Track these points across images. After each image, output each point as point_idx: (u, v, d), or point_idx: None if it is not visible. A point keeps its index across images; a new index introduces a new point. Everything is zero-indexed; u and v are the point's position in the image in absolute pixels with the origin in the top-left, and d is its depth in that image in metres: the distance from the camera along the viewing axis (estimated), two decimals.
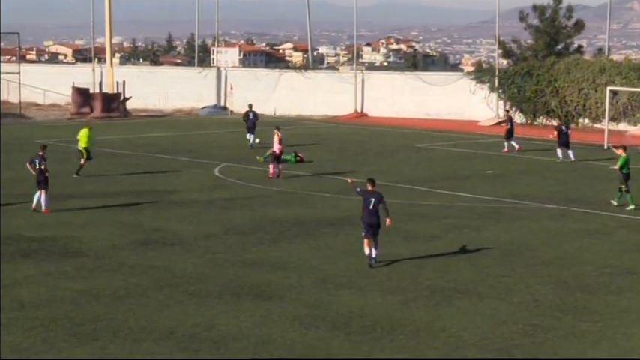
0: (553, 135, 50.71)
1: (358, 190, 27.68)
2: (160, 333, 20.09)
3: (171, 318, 21.16)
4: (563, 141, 49.74)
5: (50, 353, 18.77)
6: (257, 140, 53.43)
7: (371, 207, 26.60)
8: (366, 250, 26.65)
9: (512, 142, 52.42)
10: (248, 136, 54.22)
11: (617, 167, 36.62)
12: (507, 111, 61.49)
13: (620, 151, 37.12)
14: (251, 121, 54.67)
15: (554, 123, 61.39)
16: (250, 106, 56.37)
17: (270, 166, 42.48)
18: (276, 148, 42.58)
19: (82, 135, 42.36)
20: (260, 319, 21.18)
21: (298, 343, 19.57)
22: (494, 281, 24.90)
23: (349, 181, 29.83)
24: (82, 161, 41.83)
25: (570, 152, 49.41)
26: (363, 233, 26.67)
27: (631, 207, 35.91)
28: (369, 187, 27.16)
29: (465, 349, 19.44)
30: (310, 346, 19.46)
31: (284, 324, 20.86)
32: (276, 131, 43.19)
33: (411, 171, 44.15)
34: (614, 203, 36.49)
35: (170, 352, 18.96)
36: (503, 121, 53.89)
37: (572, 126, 59.26)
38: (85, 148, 42.10)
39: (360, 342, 19.74)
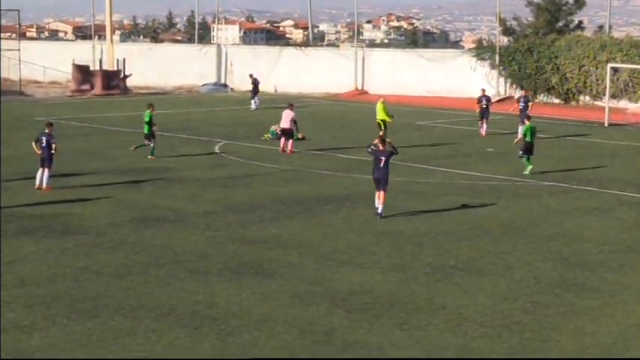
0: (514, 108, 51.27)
1: (369, 149, 30.53)
2: (161, 310, 20.13)
3: (171, 295, 21.20)
4: (522, 117, 46.83)
5: (52, 330, 18.82)
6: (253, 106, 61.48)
7: (381, 164, 29.83)
8: (376, 202, 29.78)
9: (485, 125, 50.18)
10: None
11: (520, 136, 39.45)
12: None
13: (525, 122, 39.90)
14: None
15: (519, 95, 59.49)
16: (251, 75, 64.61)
17: (285, 142, 43.13)
18: (287, 124, 42.85)
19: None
20: (261, 297, 21.22)
21: (299, 320, 19.61)
22: (495, 258, 24.95)
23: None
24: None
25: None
26: (376, 188, 29.88)
27: (527, 172, 37.66)
28: (381, 147, 30.22)
29: (466, 325, 19.48)
30: (310, 323, 19.50)
31: (284, 301, 20.91)
32: (289, 108, 43.85)
33: (411, 148, 44.11)
34: (527, 173, 37.63)
35: (171, 328, 19.01)
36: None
37: (546, 101, 59.76)
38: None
39: (360, 319, 19.79)
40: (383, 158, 29.85)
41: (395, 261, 24.57)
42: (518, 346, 18.45)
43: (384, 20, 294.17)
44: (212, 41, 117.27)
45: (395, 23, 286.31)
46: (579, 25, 78.69)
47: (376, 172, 29.99)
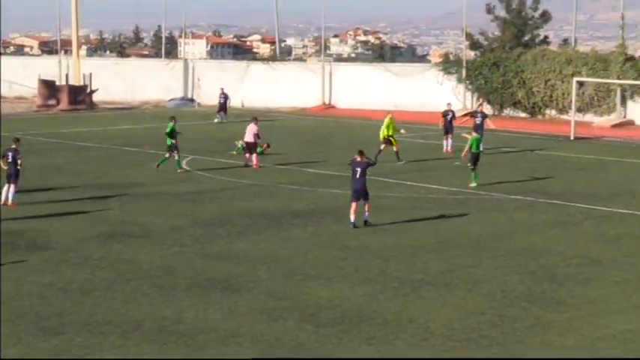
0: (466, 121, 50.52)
1: (350, 162, 31.38)
2: (128, 326, 20.05)
3: (138, 311, 21.12)
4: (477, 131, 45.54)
5: (17, 347, 18.70)
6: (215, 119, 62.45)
7: (358, 175, 30.55)
8: (351, 215, 30.33)
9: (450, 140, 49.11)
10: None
11: (466, 149, 39.27)
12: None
13: (472, 134, 40.24)
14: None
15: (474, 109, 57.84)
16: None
17: (249, 156, 43.13)
18: (251, 138, 42.83)
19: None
20: (228, 312, 21.18)
21: (266, 336, 19.58)
22: (462, 272, 24.99)
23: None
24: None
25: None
26: (350, 199, 30.64)
27: (473, 184, 38.22)
28: (358, 158, 31.01)
29: (433, 339, 19.51)
30: (278, 338, 19.48)
31: (252, 316, 20.87)
32: (253, 122, 43.71)
33: (379, 163, 44.10)
34: (473, 184, 38.19)
35: (137, 344, 18.92)
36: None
37: (494, 114, 60.01)
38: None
39: (329, 334, 19.78)
40: (359, 169, 30.63)
41: (363, 275, 24.57)
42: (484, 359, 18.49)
43: (351, 35, 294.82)
44: (179, 56, 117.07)
45: (362, 37, 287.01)
46: (545, 40, 79.00)
47: (354, 184, 30.73)
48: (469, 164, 39.11)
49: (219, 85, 68.06)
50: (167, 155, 41.39)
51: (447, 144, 48.91)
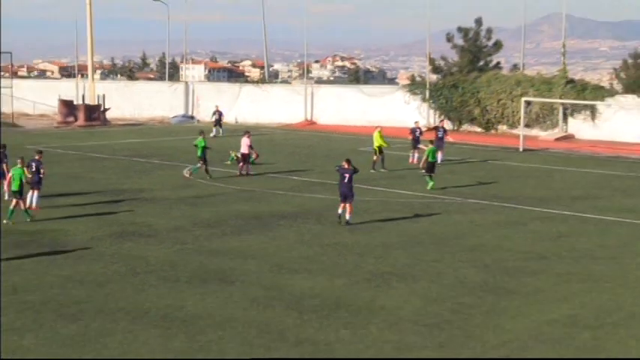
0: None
1: (337, 167, 32.10)
2: (136, 313, 19.99)
3: (145, 300, 21.06)
4: (439, 144, 46.56)
5: (41, 331, 18.64)
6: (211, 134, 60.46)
7: (345, 180, 31.19)
8: (339, 210, 31.17)
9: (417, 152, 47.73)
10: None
11: (424, 159, 39.77)
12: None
13: (429, 146, 40.42)
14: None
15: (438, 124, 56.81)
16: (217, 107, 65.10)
17: (243, 165, 43.14)
18: (245, 149, 42.73)
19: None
20: (224, 301, 21.13)
21: (257, 321, 19.55)
22: (427, 266, 25.00)
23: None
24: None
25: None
26: (340, 200, 31.33)
27: (429, 187, 38.78)
28: (345, 165, 31.62)
29: (402, 324, 19.50)
30: (267, 323, 19.45)
31: (244, 304, 20.83)
32: (245, 136, 43.63)
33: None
34: (429, 187, 38.76)
35: (145, 329, 18.87)
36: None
37: (454, 129, 59.84)
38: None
39: (310, 319, 19.75)
40: (347, 175, 31.23)
41: (340, 268, 24.56)
42: (446, 341, 18.49)
43: (330, 60, 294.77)
44: (181, 79, 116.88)
45: (339, 63, 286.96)
46: (497, 65, 79.20)
47: (342, 187, 31.28)
48: (424, 171, 39.68)
49: (215, 104, 67.98)
50: (199, 165, 41.80)
51: (414, 156, 48.39)
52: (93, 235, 28.54)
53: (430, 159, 39.49)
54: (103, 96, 72.87)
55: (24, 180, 31.17)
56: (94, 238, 28.11)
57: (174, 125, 73.17)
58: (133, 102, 77.89)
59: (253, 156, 45.68)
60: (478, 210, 34.53)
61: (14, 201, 30.67)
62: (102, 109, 72.70)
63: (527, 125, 63.48)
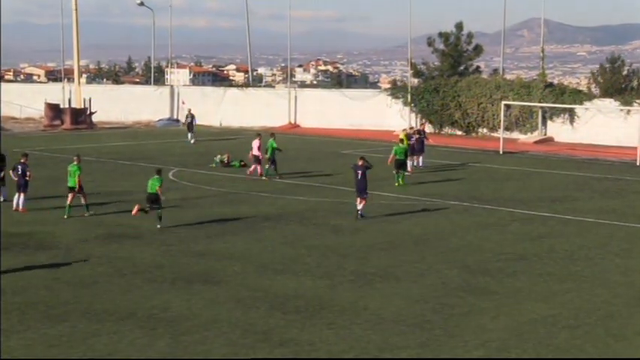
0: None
1: (352, 166, 33.46)
2: (122, 314, 19.92)
3: (131, 301, 21.00)
4: (420, 147, 46.94)
5: (27, 333, 18.55)
6: (192, 140, 59.70)
7: (359, 177, 32.52)
8: (358, 206, 32.49)
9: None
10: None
11: (391, 157, 41.37)
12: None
13: (399, 144, 42.03)
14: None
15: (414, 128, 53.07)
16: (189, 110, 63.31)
17: (255, 167, 43.39)
18: (256, 151, 42.98)
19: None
20: (209, 301, 21.08)
21: (241, 321, 19.51)
22: (409, 267, 25.01)
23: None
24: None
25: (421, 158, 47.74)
26: (355, 195, 32.78)
27: (398, 184, 40.30)
28: (360, 162, 32.89)
29: (384, 324, 19.50)
30: (252, 323, 19.41)
31: (229, 305, 20.79)
32: (257, 138, 43.76)
33: (337, 174, 44.18)
34: (398, 184, 40.27)
35: (130, 330, 18.80)
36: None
37: (450, 133, 59.62)
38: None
39: (294, 320, 19.73)
40: (360, 172, 32.57)
41: (323, 269, 24.54)
42: (428, 341, 18.49)
43: (313, 65, 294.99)
44: (166, 83, 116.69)
45: (322, 67, 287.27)
46: (477, 69, 79.35)
47: (356, 183, 32.74)
48: (394, 170, 40.99)
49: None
50: (267, 166, 42.39)
51: (413, 163, 46.39)
52: (79, 237, 28.44)
53: (398, 157, 41.08)
54: (89, 99, 72.62)
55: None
56: (81, 240, 28.00)
57: (160, 128, 73.01)
58: (118, 105, 77.63)
59: (242, 162, 46.21)
60: (459, 212, 34.57)
61: None
62: (88, 112, 72.47)
63: (507, 128, 63.66)
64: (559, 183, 43.76)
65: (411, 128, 51.17)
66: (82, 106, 72.93)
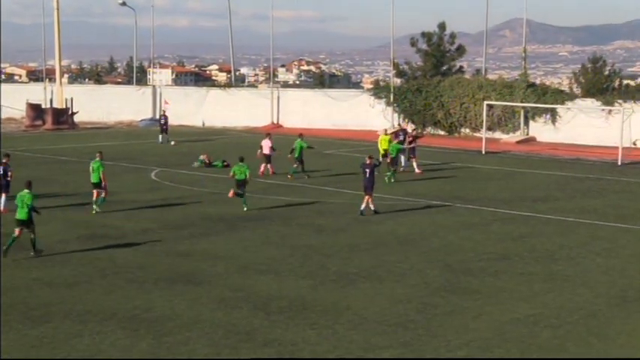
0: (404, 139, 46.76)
1: (361, 165, 34.27)
2: (104, 315, 19.87)
3: (114, 302, 20.95)
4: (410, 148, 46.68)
5: (9, 334, 18.46)
6: (170, 142, 58.87)
7: (367, 175, 33.34)
8: (362, 205, 33.28)
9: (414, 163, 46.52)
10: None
11: (382, 151, 43.20)
12: (402, 126, 56.38)
13: (396, 141, 43.95)
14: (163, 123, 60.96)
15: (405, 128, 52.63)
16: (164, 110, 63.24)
17: (265, 166, 44.18)
18: (267, 150, 43.89)
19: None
20: (191, 302, 21.05)
21: (224, 322, 19.49)
22: (392, 267, 25.04)
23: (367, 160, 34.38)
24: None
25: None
26: (364, 193, 33.45)
27: (391, 180, 41.53)
28: (367, 161, 33.81)
29: (367, 324, 19.51)
30: (234, 324, 19.40)
31: (212, 305, 20.76)
32: (267, 138, 44.69)
33: (319, 174, 44.18)
34: (387, 181, 41.42)
35: (113, 330, 18.76)
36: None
37: (433, 132, 59.84)
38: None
39: (278, 320, 19.72)
40: (368, 170, 33.39)
41: (306, 270, 24.54)
42: (410, 341, 18.52)
43: (296, 65, 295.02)
44: (148, 83, 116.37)
45: (305, 67, 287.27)
46: (460, 69, 79.51)
47: (364, 181, 33.50)
48: (390, 166, 42.43)
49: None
50: (295, 165, 43.27)
51: (414, 165, 46.13)
52: (61, 237, 28.34)
53: (392, 155, 42.48)
54: (71, 100, 72.41)
55: None
56: (63, 240, 27.91)
57: (142, 128, 72.85)
58: (100, 105, 77.40)
59: (223, 161, 46.39)
60: (442, 211, 34.64)
61: None
62: (70, 112, 72.25)
63: (489, 128, 63.79)
64: (541, 183, 43.89)
65: (399, 125, 51.31)
66: (64, 107, 72.71)
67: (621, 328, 19.58)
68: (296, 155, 43.42)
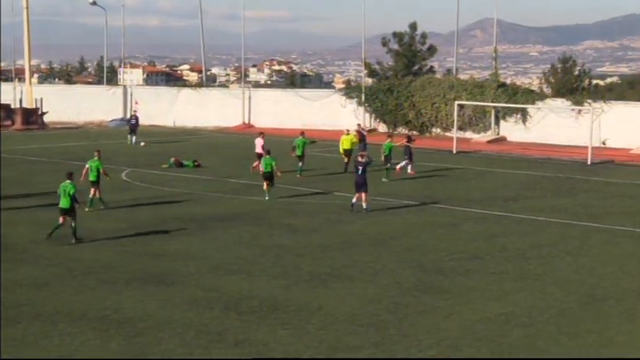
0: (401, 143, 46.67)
1: (354, 161, 34.87)
2: (75, 315, 19.77)
3: (84, 302, 20.84)
4: (362, 146, 47.05)
5: None
6: (141, 143, 58.24)
7: (360, 172, 33.63)
8: (353, 199, 33.81)
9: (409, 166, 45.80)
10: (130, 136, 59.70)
11: (383, 154, 43.34)
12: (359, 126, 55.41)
13: (389, 140, 44.47)
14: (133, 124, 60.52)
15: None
16: (135, 111, 62.74)
17: (259, 163, 43.01)
18: (259, 149, 44.01)
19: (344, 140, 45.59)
20: (163, 302, 20.98)
21: (196, 322, 19.44)
22: (364, 266, 25.07)
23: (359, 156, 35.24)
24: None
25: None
26: (355, 190, 33.86)
27: (385, 180, 42.03)
28: (360, 159, 34.35)
29: (338, 324, 19.52)
30: (206, 324, 19.35)
31: (184, 306, 20.71)
32: (260, 137, 45.27)
33: (292, 174, 44.17)
34: (385, 180, 42.11)
35: (83, 331, 18.66)
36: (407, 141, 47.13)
37: (413, 134, 60.00)
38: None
39: (249, 320, 19.70)
40: (360, 167, 33.75)
41: (278, 270, 24.53)
42: (382, 340, 18.54)
43: (267, 64, 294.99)
44: (119, 83, 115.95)
45: (276, 67, 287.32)
46: (431, 69, 79.78)
47: (356, 178, 33.87)
48: (387, 165, 43.22)
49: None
50: (300, 164, 44.16)
51: (408, 167, 45.83)
52: (31, 238, 28.16)
53: (385, 154, 43.15)
54: (41, 100, 72.04)
55: None
56: (33, 241, 27.74)
57: (113, 128, 72.56)
58: (71, 106, 77.07)
59: (196, 162, 46.40)
60: (413, 211, 34.72)
61: None
62: (40, 112, 71.87)
63: (460, 128, 64.08)
64: (512, 182, 44.10)
65: (359, 125, 51.53)
66: (34, 107, 72.31)
67: (591, 327, 19.70)
68: (299, 153, 44.38)
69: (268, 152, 37.80)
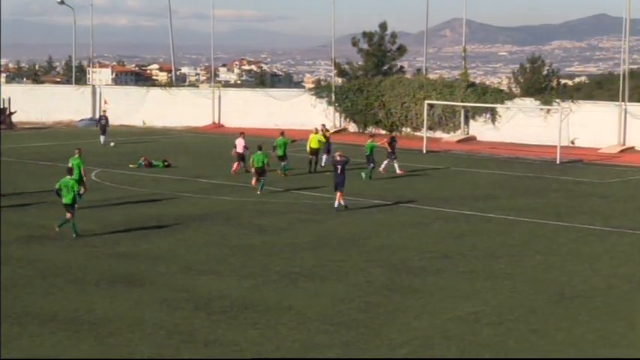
0: (382, 142, 47.05)
1: (331, 160, 35.32)
2: (44, 317, 19.67)
3: (54, 303, 20.75)
4: (328, 147, 47.20)
5: None
6: (111, 143, 57.15)
7: (338, 171, 33.79)
8: (335, 203, 33.80)
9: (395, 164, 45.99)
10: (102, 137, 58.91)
11: (367, 153, 43.13)
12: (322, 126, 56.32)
13: (371, 140, 44.58)
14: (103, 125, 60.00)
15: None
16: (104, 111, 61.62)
17: (239, 164, 44.19)
18: (240, 149, 44.13)
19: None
20: (133, 303, 20.92)
21: (166, 322, 19.40)
22: (334, 266, 25.10)
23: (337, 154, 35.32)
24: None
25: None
26: (334, 190, 33.99)
27: (363, 177, 42.38)
28: (338, 157, 34.46)
29: (309, 324, 19.54)
30: (176, 324, 19.32)
31: (154, 306, 20.66)
32: (241, 137, 44.94)
33: (273, 173, 44.04)
34: (363, 177, 42.38)
35: (53, 332, 18.58)
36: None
37: (396, 134, 59.92)
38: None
39: (219, 320, 19.68)
40: (339, 166, 33.88)
41: (248, 270, 24.52)
42: (353, 340, 18.58)
43: (237, 64, 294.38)
44: (88, 82, 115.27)
45: (246, 67, 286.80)
46: (401, 69, 79.91)
47: (335, 177, 34.02)
48: (370, 163, 43.24)
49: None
50: (283, 164, 44.07)
51: (395, 165, 45.91)
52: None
53: (367, 153, 43.16)
54: (9, 99, 71.51)
55: None
56: (2, 242, 27.53)
57: (82, 128, 72.16)
58: (39, 105, 76.51)
59: (167, 162, 46.38)
60: (384, 211, 34.79)
61: None
62: (7, 112, 71.34)
63: (430, 128, 64.21)
64: (481, 181, 44.30)
65: (323, 125, 51.51)
66: (1, 106, 71.76)
67: (560, 325, 19.84)
68: (280, 153, 44.29)
69: (260, 148, 38.36)
